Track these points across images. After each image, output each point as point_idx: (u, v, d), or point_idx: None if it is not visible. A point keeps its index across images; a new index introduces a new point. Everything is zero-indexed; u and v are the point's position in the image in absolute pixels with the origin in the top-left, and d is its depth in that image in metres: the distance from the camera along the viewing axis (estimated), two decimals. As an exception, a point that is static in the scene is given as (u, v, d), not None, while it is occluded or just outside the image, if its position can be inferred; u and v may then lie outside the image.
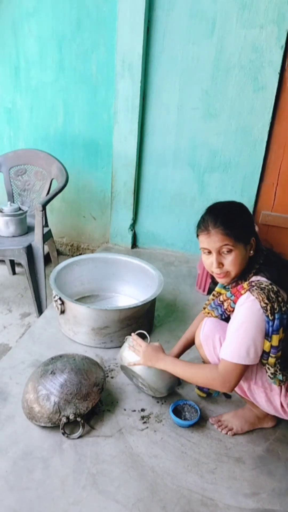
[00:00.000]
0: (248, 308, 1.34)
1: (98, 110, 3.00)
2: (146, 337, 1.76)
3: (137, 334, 1.77)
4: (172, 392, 1.82)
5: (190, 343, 1.79)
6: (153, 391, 1.74)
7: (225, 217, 1.40)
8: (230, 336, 1.39)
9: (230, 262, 1.41)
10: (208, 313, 1.62)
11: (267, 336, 1.34)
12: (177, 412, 1.73)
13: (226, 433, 1.67)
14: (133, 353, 1.69)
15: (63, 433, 1.60)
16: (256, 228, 2.68)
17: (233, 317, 1.41)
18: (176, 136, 2.94)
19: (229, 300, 1.50)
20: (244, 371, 1.40)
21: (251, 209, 2.99)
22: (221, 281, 1.49)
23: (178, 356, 1.79)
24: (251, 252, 1.43)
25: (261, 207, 3.01)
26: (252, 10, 2.50)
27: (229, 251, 1.40)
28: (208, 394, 1.81)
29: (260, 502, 1.43)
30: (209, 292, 2.66)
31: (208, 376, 1.45)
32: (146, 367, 1.66)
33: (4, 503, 1.37)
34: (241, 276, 1.45)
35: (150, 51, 2.76)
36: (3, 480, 1.44)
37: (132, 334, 1.75)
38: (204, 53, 2.68)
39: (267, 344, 1.36)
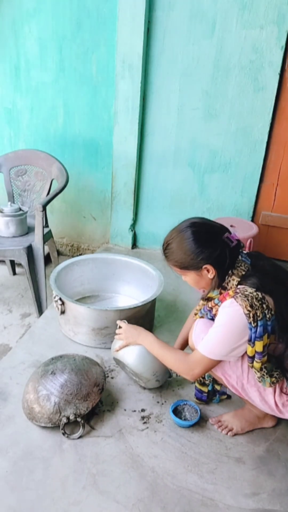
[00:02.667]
0: (230, 312, 1.37)
1: (98, 111, 3.00)
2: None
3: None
4: (163, 383, 1.83)
5: (185, 344, 1.85)
6: (140, 379, 1.76)
7: (165, 251, 1.52)
8: (209, 332, 1.44)
9: (189, 282, 1.55)
10: (201, 318, 1.65)
11: (250, 341, 1.37)
12: (177, 412, 1.73)
13: (226, 433, 1.67)
14: (119, 341, 1.77)
15: (63, 433, 1.60)
16: (255, 230, 2.71)
17: (216, 318, 1.45)
18: (176, 137, 2.94)
19: (217, 306, 1.53)
20: (211, 366, 1.47)
21: (251, 210, 2.99)
22: None
23: None
24: (212, 275, 1.45)
25: (261, 208, 3.02)
26: (252, 10, 2.50)
27: (182, 274, 1.53)
28: (207, 401, 1.81)
29: (260, 502, 1.43)
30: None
31: (177, 359, 1.53)
32: (126, 353, 1.72)
33: (5, 503, 1.38)
34: (218, 286, 1.50)
35: (150, 51, 2.76)
36: (4, 480, 1.45)
37: (117, 321, 1.82)
38: (204, 54, 2.68)
39: (250, 349, 1.38)
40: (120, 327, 1.79)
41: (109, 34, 2.77)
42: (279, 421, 1.72)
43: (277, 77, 2.60)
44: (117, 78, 2.82)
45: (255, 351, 1.38)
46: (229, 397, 1.85)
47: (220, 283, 1.49)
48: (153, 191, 3.15)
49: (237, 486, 1.48)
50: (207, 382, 1.76)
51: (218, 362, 1.47)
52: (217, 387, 1.79)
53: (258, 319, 1.33)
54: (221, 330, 1.40)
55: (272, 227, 3.03)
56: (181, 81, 2.78)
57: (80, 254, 3.48)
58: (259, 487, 1.49)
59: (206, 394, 1.79)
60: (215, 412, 1.78)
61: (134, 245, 3.37)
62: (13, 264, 3.18)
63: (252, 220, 3.03)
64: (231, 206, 3.01)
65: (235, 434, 1.68)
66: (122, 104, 2.87)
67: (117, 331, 1.79)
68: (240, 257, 1.47)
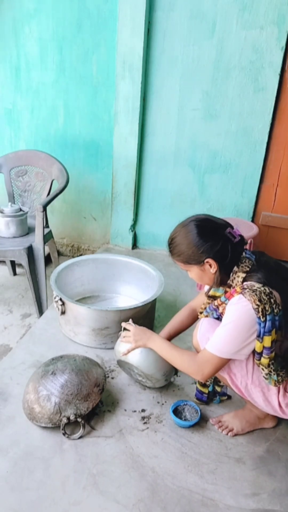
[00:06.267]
0: (239, 308, 1.36)
1: (99, 111, 3.00)
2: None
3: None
4: (170, 381, 1.83)
5: (175, 333, 1.84)
6: (150, 380, 1.75)
7: (169, 245, 1.53)
8: (217, 331, 1.43)
9: (193, 278, 1.55)
10: (206, 317, 1.64)
11: (259, 337, 1.36)
12: (178, 412, 1.73)
13: (227, 434, 1.67)
14: (126, 344, 1.72)
15: (64, 434, 1.60)
16: (255, 230, 2.71)
17: (224, 315, 1.44)
18: (176, 137, 2.94)
19: (224, 305, 1.51)
20: (221, 365, 1.45)
21: (251, 210, 3.00)
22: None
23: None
24: (214, 269, 1.46)
25: (261, 208, 3.02)
26: (252, 11, 2.50)
27: (187, 270, 1.54)
28: (207, 401, 1.81)
29: (260, 503, 1.44)
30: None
31: (186, 360, 1.52)
32: (137, 355, 1.70)
33: (5, 503, 1.38)
34: (221, 282, 1.50)
35: (151, 52, 2.77)
36: (4, 481, 1.45)
37: (122, 323, 1.78)
38: (204, 54, 2.68)
39: (259, 344, 1.37)
40: (125, 329, 1.76)
41: (109, 35, 2.77)
42: (279, 421, 1.72)
43: (277, 77, 2.61)
44: (117, 78, 2.82)
45: (263, 347, 1.37)
46: (229, 397, 1.85)
47: (224, 280, 1.48)
48: (153, 192, 3.16)
49: (237, 486, 1.48)
50: (208, 383, 1.76)
51: (227, 361, 1.45)
52: (218, 389, 1.79)
53: (267, 313, 1.32)
54: (231, 327, 1.39)
55: (272, 228, 3.03)
56: (181, 81, 2.78)
57: (81, 255, 3.48)
58: (259, 487, 1.49)
59: (206, 395, 1.79)
60: (215, 412, 1.78)
61: (135, 245, 3.37)
62: (13, 264, 3.18)
63: (252, 221, 3.03)
64: (231, 207, 3.02)
65: (235, 435, 1.68)
66: (122, 104, 2.87)
67: (124, 333, 1.75)
68: (244, 253, 1.47)
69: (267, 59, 2.58)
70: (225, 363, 1.45)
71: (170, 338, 1.82)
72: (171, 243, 1.51)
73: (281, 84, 2.65)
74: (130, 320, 1.79)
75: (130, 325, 1.74)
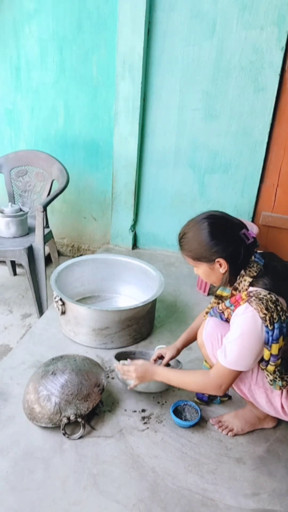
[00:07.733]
0: (247, 319, 1.34)
1: (99, 111, 3.00)
2: (126, 358, 1.84)
3: (117, 356, 1.88)
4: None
5: (191, 340, 1.82)
6: (162, 391, 1.79)
7: (181, 240, 1.50)
8: (228, 344, 1.39)
9: (200, 275, 1.52)
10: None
11: (267, 345, 1.34)
12: (178, 412, 1.73)
13: (227, 434, 1.67)
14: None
15: (64, 434, 1.60)
16: (256, 230, 2.71)
17: (231, 326, 1.41)
18: (176, 137, 2.94)
19: (229, 310, 1.49)
20: (238, 376, 1.43)
21: (251, 210, 2.99)
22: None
23: (181, 348, 1.81)
24: (224, 269, 1.43)
25: (261, 208, 3.02)
26: (252, 11, 2.51)
27: (195, 266, 1.51)
28: (208, 402, 1.81)
29: (260, 503, 1.44)
30: (209, 293, 2.66)
31: (200, 381, 1.48)
32: (144, 383, 1.68)
33: (5, 503, 1.38)
34: (228, 282, 1.48)
35: (151, 52, 2.77)
36: (4, 481, 1.45)
37: (115, 364, 1.75)
38: (204, 54, 2.68)
39: (267, 352, 1.36)
40: (119, 367, 1.71)
41: (109, 35, 2.77)
42: (279, 421, 1.72)
43: (277, 77, 2.61)
44: (117, 78, 2.83)
45: (271, 354, 1.35)
46: (229, 397, 1.85)
47: (231, 281, 1.46)
48: (154, 192, 3.16)
49: (238, 486, 1.48)
50: None
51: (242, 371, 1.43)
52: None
53: (275, 321, 1.30)
54: (243, 339, 1.36)
55: (273, 228, 3.03)
56: (181, 81, 2.79)
57: (81, 255, 3.48)
58: (259, 487, 1.49)
59: (207, 395, 1.78)
60: (216, 412, 1.78)
61: (135, 245, 3.37)
62: (13, 264, 3.18)
63: (253, 221, 3.03)
64: (231, 207, 3.02)
65: (236, 435, 1.68)
66: (122, 104, 2.87)
67: (123, 369, 1.68)
68: (253, 257, 1.44)
69: (267, 59, 2.58)
70: (240, 373, 1.43)
71: (186, 345, 1.82)
72: (182, 237, 1.48)
73: (281, 84, 2.65)
74: (128, 361, 1.72)
75: (128, 366, 1.67)
